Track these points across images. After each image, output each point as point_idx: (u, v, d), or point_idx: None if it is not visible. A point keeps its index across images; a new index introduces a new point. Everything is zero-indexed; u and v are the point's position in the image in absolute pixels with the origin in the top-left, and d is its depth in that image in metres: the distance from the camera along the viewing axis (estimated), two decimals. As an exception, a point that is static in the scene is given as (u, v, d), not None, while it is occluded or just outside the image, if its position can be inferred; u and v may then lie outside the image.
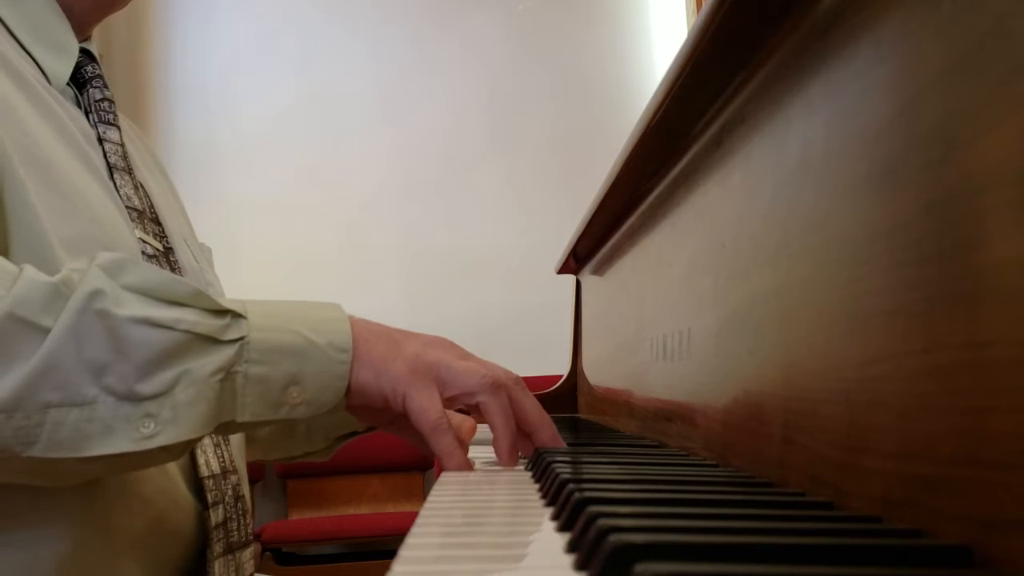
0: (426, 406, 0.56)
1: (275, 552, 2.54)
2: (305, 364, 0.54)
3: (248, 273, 2.76)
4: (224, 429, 0.54)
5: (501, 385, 0.59)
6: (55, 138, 0.62)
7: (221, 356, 0.52)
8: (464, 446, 0.61)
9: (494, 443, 0.59)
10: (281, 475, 2.79)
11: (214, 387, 0.51)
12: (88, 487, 0.56)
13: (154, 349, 0.50)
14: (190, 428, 0.51)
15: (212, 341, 0.52)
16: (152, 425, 0.50)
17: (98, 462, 0.50)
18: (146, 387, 0.50)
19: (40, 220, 0.56)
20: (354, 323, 0.57)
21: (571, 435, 0.79)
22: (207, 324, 0.52)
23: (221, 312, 0.53)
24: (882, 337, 0.35)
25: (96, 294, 0.50)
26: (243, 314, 0.53)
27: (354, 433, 0.81)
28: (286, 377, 0.53)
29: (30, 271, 0.50)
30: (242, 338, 0.53)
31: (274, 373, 0.53)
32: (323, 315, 0.56)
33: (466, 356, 0.60)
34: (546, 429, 0.62)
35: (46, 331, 0.48)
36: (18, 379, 0.47)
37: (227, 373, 0.52)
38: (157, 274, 0.53)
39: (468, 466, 0.58)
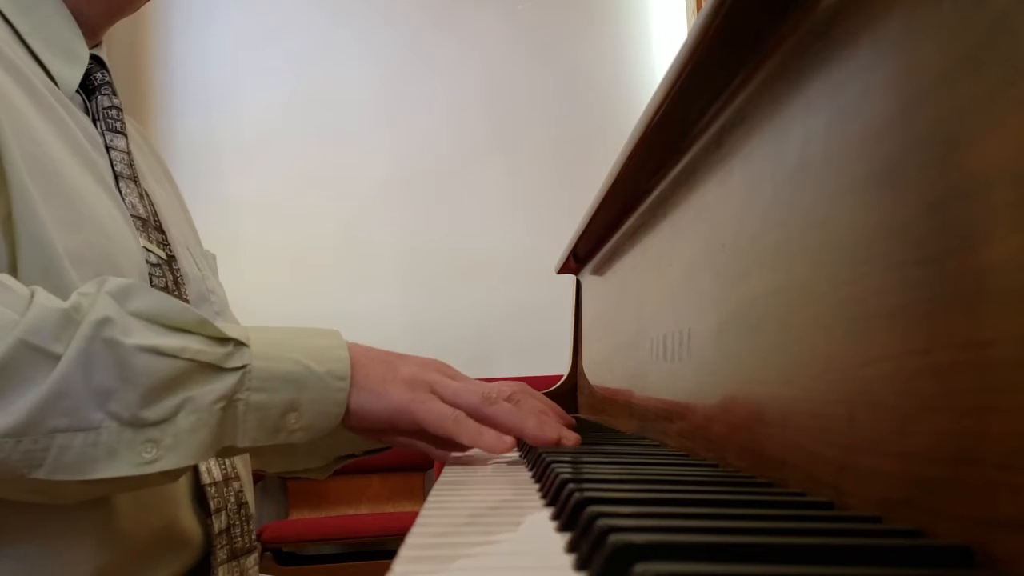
0: (436, 409, 0.58)
1: (275, 552, 2.54)
2: (304, 392, 0.55)
3: (249, 273, 2.76)
4: (224, 452, 0.56)
5: (498, 396, 0.61)
6: (63, 146, 0.62)
7: (223, 384, 0.53)
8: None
9: (524, 439, 0.62)
10: (281, 475, 2.79)
11: (216, 414, 0.53)
12: (95, 503, 0.57)
13: (158, 377, 0.51)
14: (191, 454, 0.52)
15: (215, 369, 0.53)
16: (154, 451, 0.51)
17: (101, 484, 0.51)
18: (149, 414, 0.51)
19: (47, 231, 0.56)
20: (352, 349, 0.58)
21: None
22: (211, 352, 0.53)
23: (224, 340, 0.54)
24: (882, 337, 0.35)
25: (105, 322, 0.50)
26: (245, 342, 0.55)
27: (353, 455, 0.82)
28: (285, 404, 0.55)
29: (41, 296, 0.51)
30: (244, 366, 0.54)
31: (274, 400, 0.54)
32: (323, 343, 0.58)
33: (458, 377, 0.62)
34: (550, 426, 0.63)
35: (57, 358, 0.49)
36: (29, 405, 0.48)
37: (229, 401, 0.53)
38: (164, 300, 0.54)
39: (505, 444, 0.60)
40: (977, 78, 0.29)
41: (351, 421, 0.58)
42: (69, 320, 0.50)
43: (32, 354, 0.49)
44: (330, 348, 0.58)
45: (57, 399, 0.49)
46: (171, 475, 0.53)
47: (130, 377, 0.50)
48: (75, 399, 0.49)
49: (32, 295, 0.51)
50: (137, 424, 0.51)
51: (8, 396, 0.48)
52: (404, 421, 0.58)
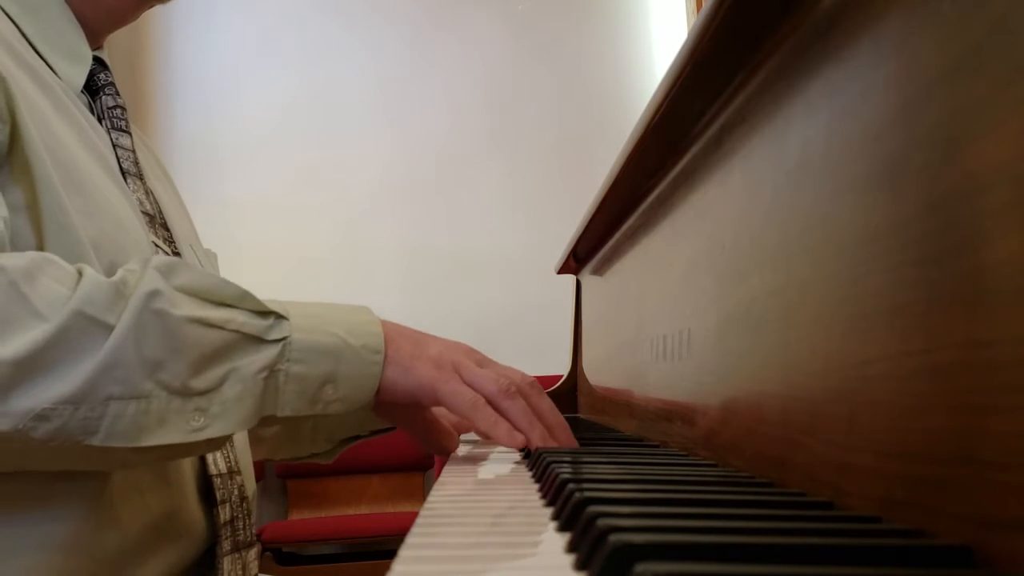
0: (458, 389, 0.60)
1: (275, 552, 2.54)
2: (340, 364, 0.57)
3: (248, 273, 2.75)
4: (264, 422, 0.57)
5: (517, 390, 0.62)
6: (76, 139, 0.63)
7: (266, 355, 0.55)
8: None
9: (527, 443, 0.62)
10: (281, 475, 2.79)
11: (259, 384, 0.55)
12: (101, 481, 0.57)
13: (206, 347, 0.53)
14: (236, 422, 0.54)
15: (258, 341, 0.55)
16: (202, 419, 0.53)
17: (150, 451, 0.53)
18: (197, 383, 0.53)
19: (71, 218, 0.57)
20: (384, 325, 0.61)
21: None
22: (254, 325, 0.55)
23: (266, 313, 0.56)
24: (882, 337, 0.35)
25: (154, 294, 0.52)
26: (285, 315, 0.57)
27: (357, 437, 0.82)
28: (323, 376, 0.57)
29: (90, 271, 0.53)
30: (285, 338, 0.56)
31: (313, 372, 0.56)
32: (357, 318, 0.60)
33: (483, 363, 0.64)
34: (560, 431, 0.64)
35: (110, 328, 0.51)
36: (86, 372, 0.50)
37: (271, 371, 0.55)
38: (206, 276, 0.56)
39: (516, 441, 0.61)
40: (977, 78, 0.29)
41: (381, 395, 0.59)
42: (119, 293, 0.52)
43: (87, 324, 0.50)
44: (365, 323, 0.60)
45: (111, 368, 0.50)
46: (215, 443, 0.56)
47: (179, 347, 0.52)
48: (127, 368, 0.51)
49: (80, 271, 0.52)
50: (186, 393, 0.53)
51: (66, 364, 0.49)
52: (427, 398, 0.60)
